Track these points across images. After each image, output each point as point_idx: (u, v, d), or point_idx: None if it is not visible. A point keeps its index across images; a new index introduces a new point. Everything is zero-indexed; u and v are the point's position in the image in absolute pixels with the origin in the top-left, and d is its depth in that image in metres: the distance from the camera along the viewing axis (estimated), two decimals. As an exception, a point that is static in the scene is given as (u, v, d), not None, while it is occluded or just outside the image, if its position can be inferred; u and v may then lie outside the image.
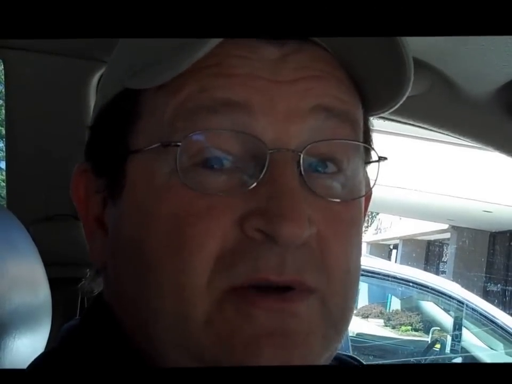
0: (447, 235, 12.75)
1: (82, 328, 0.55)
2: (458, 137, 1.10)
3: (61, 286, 1.13)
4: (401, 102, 0.52)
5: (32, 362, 0.54)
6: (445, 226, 12.16)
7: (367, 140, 0.55)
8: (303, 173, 0.47)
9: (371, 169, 0.56)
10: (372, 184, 0.56)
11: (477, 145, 1.15)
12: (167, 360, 0.48)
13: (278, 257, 0.45)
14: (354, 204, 0.52)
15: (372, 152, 0.55)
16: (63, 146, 1.19)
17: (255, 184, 0.47)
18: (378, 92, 0.52)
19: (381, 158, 0.54)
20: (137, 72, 0.50)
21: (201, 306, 0.46)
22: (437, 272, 12.98)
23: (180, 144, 0.46)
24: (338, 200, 0.50)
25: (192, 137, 0.46)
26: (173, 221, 0.47)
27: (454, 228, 12.03)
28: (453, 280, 6.68)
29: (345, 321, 0.51)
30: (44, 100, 1.18)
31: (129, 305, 0.51)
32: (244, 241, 0.46)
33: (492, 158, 6.13)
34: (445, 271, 12.80)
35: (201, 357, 0.46)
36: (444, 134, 1.10)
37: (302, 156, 0.47)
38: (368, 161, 0.55)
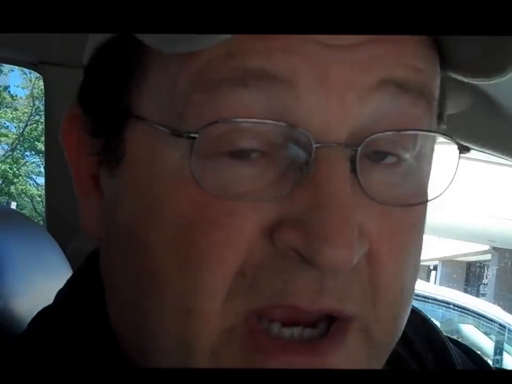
0: (488, 256, 12.55)
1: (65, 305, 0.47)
2: (500, 156, 1.07)
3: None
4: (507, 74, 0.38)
5: None
6: (486, 247, 11.98)
7: (442, 111, 0.43)
8: (358, 172, 0.36)
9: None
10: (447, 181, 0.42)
11: (520, 165, 1.12)
12: None
13: (313, 282, 0.36)
14: (419, 206, 0.40)
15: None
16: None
17: (292, 186, 0.36)
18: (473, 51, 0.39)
19: (463, 149, 0.41)
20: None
21: (209, 336, 0.37)
22: (477, 294, 12.77)
23: (196, 136, 0.36)
24: (399, 204, 0.39)
25: (212, 125, 0.35)
26: (184, 224, 0.36)
27: (495, 249, 11.84)
28: (494, 303, 6.54)
29: (390, 350, 0.42)
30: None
31: (122, 305, 0.42)
32: (273, 256, 0.36)
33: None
34: (486, 293, 12.57)
35: None
36: (485, 152, 1.08)
37: (358, 151, 0.36)
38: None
